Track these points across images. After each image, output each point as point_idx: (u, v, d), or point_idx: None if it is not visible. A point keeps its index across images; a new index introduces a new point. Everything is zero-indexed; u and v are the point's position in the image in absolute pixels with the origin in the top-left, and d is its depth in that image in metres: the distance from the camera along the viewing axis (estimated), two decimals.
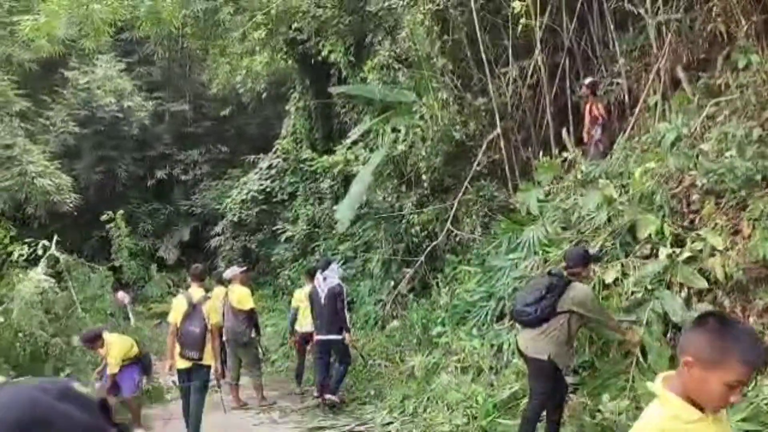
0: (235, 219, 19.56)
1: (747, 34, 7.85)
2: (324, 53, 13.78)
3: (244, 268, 10.09)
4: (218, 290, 9.29)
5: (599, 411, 5.40)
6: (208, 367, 6.92)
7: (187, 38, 17.00)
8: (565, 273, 5.59)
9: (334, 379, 8.63)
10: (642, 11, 9.41)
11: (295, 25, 14.37)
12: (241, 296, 9.00)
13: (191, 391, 6.88)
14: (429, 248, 9.97)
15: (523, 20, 9.18)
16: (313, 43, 14.27)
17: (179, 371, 6.88)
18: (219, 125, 26.30)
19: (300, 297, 9.66)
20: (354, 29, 13.14)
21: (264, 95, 20.23)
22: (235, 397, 9.06)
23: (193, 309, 6.82)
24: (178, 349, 6.79)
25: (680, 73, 8.81)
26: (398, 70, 11.36)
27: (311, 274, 9.52)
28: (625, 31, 10.23)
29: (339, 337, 8.42)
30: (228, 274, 9.54)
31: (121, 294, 14.87)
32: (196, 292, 7.07)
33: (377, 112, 11.83)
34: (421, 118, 10.41)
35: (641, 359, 5.58)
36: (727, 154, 5.88)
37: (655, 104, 8.89)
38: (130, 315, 14.56)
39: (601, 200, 6.97)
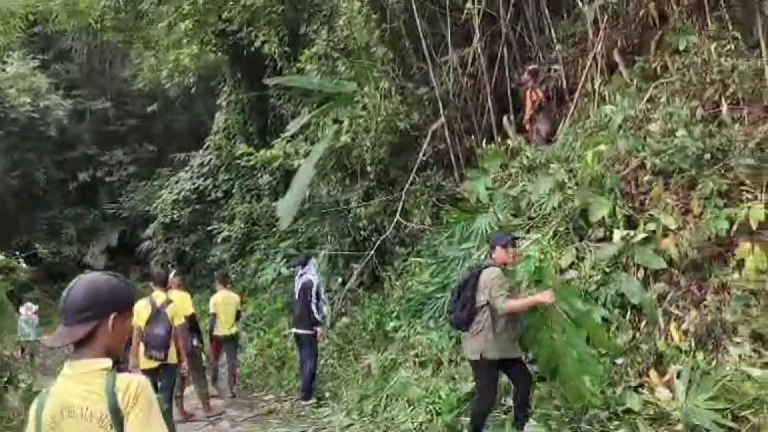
0: (167, 221, 18.79)
1: (680, 18, 8.02)
2: (257, 44, 13.30)
3: (173, 272, 9.62)
4: (157, 296, 8.77)
5: (566, 399, 5.35)
6: (174, 366, 7.17)
7: (107, 31, 16.15)
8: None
9: (303, 382, 8.56)
10: None
11: (224, 15, 13.81)
12: (183, 302, 8.52)
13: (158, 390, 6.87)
14: (378, 241, 9.77)
15: (468, 5, 9.04)
16: (245, 34, 13.77)
17: (144, 371, 6.83)
18: (145, 123, 25.27)
19: (216, 301, 9.83)
20: (288, 18, 12.75)
21: (193, 90, 19.48)
22: (180, 409, 8.58)
23: (157, 312, 7.12)
24: (142, 350, 7.00)
25: (617, 57, 8.92)
26: (337, 59, 11.08)
27: (224, 280, 10.18)
28: (561, 18, 10.31)
29: (308, 332, 8.56)
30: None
31: (25, 307, 13.98)
32: (159, 296, 7.37)
33: (316, 104, 11.51)
34: (364, 108, 10.19)
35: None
36: (678, 134, 5.93)
37: (594, 89, 8.99)
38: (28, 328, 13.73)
39: (552, 185, 6.95)
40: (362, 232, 9.99)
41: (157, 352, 6.94)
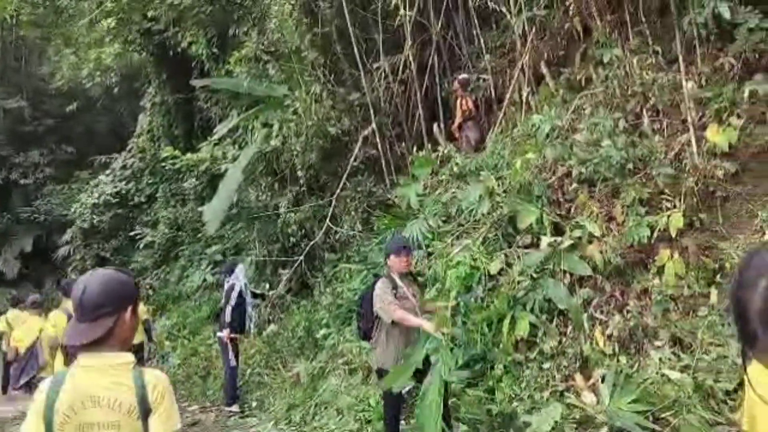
0: (86, 225, 17.98)
1: (603, 32, 8.28)
2: (183, 45, 12.92)
3: None
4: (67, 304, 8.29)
5: (495, 404, 5.36)
6: None
7: (24, 27, 15.30)
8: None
9: (225, 387, 8.43)
10: (504, 9, 9.67)
11: (150, 14, 13.34)
12: None
13: None
14: (307, 247, 9.60)
15: (400, 12, 9.04)
16: (171, 34, 13.35)
17: None
18: (64, 123, 24.13)
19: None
20: (216, 19, 12.43)
21: (116, 90, 18.75)
22: None
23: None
24: (60, 359, 6.86)
25: (543, 69, 9.13)
26: (267, 62, 10.87)
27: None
28: (490, 29, 10.48)
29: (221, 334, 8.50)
30: None
31: None
32: (70, 305, 6.82)
33: (245, 107, 11.25)
34: (294, 112, 10.02)
35: (536, 348, 5.64)
36: (603, 143, 6.09)
37: (521, 99, 9.17)
38: None
39: (482, 192, 7.00)
40: (291, 238, 9.81)
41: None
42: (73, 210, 18.74)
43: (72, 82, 20.12)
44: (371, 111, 10.05)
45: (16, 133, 23.99)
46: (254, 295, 9.32)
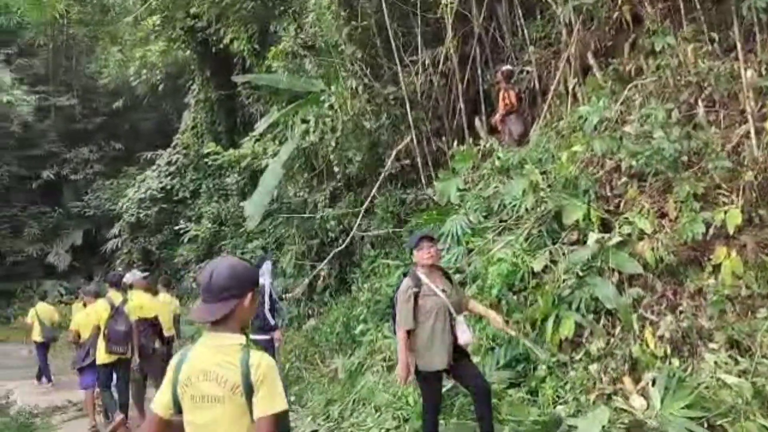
0: (133, 220, 18.36)
1: (654, 20, 7.93)
2: (225, 41, 12.98)
3: (145, 273, 9.33)
4: (113, 295, 8.33)
5: (538, 406, 5.16)
6: (129, 360, 7.75)
7: (73, 25, 15.64)
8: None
9: None
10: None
11: (193, 11, 13.45)
12: (143, 303, 8.18)
13: (118, 385, 7.84)
14: (345, 243, 9.51)
15: (442, 2, 8.85)
16: (213, 31, 13.44)
17: (103, 365, 7.63)
18: (112, 120, 24.70)
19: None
20: (258, 15, 12.45)
21: (160, 87, 19.04)
22: (142, 414, 8.24)
23: (117, 311, 7.67)
24: (103, 346, 7.56)
25: (591, 60, 8.83)
26: (304, 57, 10.81)
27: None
28: (534, 19, 10.20)
29: (263, 337, 7.75)
30: (128, 278, 8.65)
31: None
32: (115, 296, 7.89)
33: (285, 103, 11.23)
34: (330, 107, 9.93)
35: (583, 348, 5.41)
36: (656, 135, 5.79)
37: (567, 91, 8.89)
38: None
39: (525, 187, 6.76)
40: (330, 234, 9.73)
41: (118, 347, 7.56)
42: (120, 205, 19.15)
43: (119, 80, 20.55)
44: (408, 105, 9.89)
45: (68, 131, 24.67)
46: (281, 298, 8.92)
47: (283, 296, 10.21)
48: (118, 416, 7.72)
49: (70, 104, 24.25)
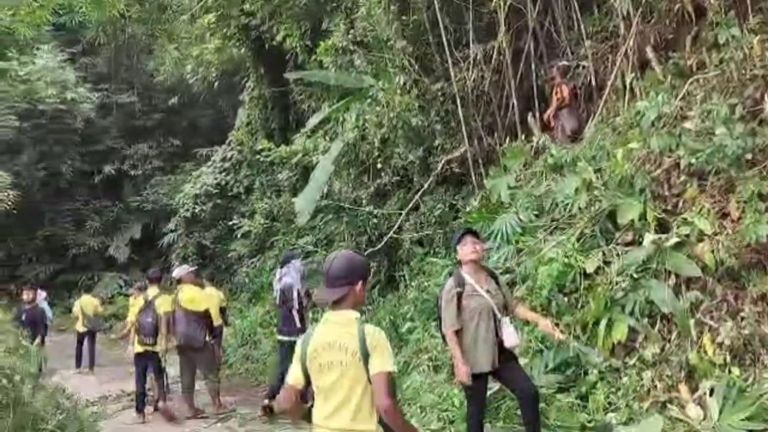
0: (189, 215, 18.75)
1: (717, 12, 7.57)
2: (278, 38, 13.09)
3: (194, 267, 9.64)
4: (151, 291, 8.83)
5: (588, 412, 4.99)
6: (157, 351, 8.36)
7: (132, 23, 16.09)
8: None
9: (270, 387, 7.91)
10: None
11: (247, 8, 13.63)
12: (194, 296, 8.34)
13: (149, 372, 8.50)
14: (394, 240, 9.46)
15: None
16: (267, 28, 13.58)
17: (137, 354, 8.43)
18: (170, 117, 25.32)
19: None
20: (310, 12, 12.52)
21: (216, 84, 19.40)
22: (190, 405, 8.41)
23: (148, 305, 8.34)
24: (136, 337, 8.43)
25: (650, 54, 8.50)
26: (354, 52, 10.80)
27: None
28: (590, 13, 9.91)
29: (291, 339, 7.26)
30: (177, 273, 8.84)
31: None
32: (152, 291, 8.56)
33: (336, 99, 11.26)
34: (378, 104, 9.86)
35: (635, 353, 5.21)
36: (717, 132, 5.51)
37: (624, 86, 8.60)
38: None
39: (579, 185, 6.55)
40: (378, 231, 9.68)
41: (146, 338, 8.23)
42: (176, 200, 19.58)
43: (176, 78, 21.02)
44: (458, 101, 9.74)
45: (128, 127, 25.42)
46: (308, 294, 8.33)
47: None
48: (149, 407, 8.48)
49: (130, 101, 24.96)
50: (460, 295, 4.78)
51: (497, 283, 5.04)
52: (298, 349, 3.06)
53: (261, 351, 11.32)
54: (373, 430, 2.89)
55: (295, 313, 7.66)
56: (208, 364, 8.54)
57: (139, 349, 8.37)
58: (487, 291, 4.83)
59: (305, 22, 12.76)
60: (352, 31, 11.08)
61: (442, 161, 9.66)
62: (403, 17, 10.30)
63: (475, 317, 4.76)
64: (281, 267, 8.22)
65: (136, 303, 8.89)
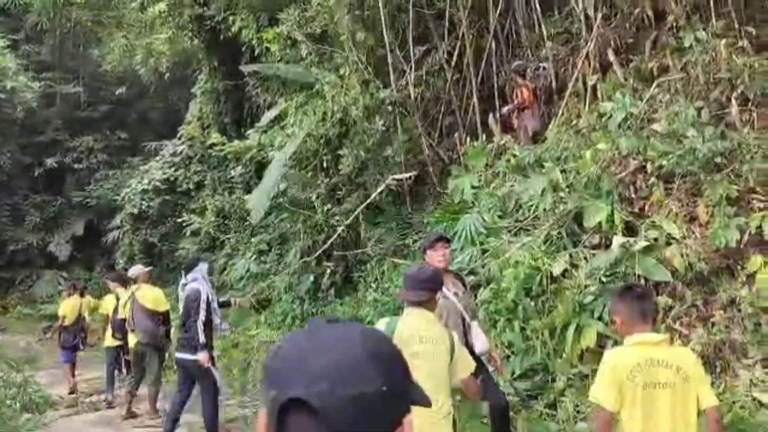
0: (135, 211, 18.04)
1: (680, 16, 7.59)
2: (234, 30, 12.63)
3: (150, 267, 9.33)
4: (119, 291, 8.90)
5: (557, 421, 4.82)
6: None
7: (78, 9, 15.32)
8: None
9: (205, 416, 6.50)
10: None
11: None
12: (155, 297, 8.02)
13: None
14: (353, 240, 9.19)
15: None
16: (222, 19, 13.09)
17: (109, 347, 9.06)
18: (118, 109, 24.35)
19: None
20: (267, 3, 12.10)
21: (167, 76, 18.71)
22: (127, 406, 8.13)
23: (118, 302, 8.67)
24: (109, 332, 9.04)
25: (611, 57, 8.51)
26: (303, 43, 10.44)
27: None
28: (551, 15, 9.89)
29: (190, 356, 6.38)
30: (133, 272, 8.52)
31: None
32: (120, 291, 8.84)
33: (294, 93, 10.90)
34: (324, 99, 9.56)
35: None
36: (689, 134, 5.44)
37: (586, 88, 8.58)
38: None
39: (546, 185, 6.42)
40: (336, 230, 9.37)
41: (119, 334, 8.71)
42: (122, 195, 18.84)
43: (126, 69, 20.21)
44: (417, 100, 9.58)
45: (72, 118, 24.30)
46: (220, 305, 7.31)
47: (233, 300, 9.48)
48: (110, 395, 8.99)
49: (75, 92, 23.87)
50: None
51: (464, 286, 4.82)
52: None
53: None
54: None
55: (200, 325, 6.34)
56: (159, 366, 8.16)
57: (111, 342, 8.95)
58: (455, 294, 4.60)
59: (262, 14, 12.34)
60: (303, 21, 10.73)
61: (398, 158, 9.42)
62: (357, 11, 10.06)
63: (442, 321, 4.52)
64: (186, 272, 6.82)
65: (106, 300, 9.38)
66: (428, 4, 10.62)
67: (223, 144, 11.83)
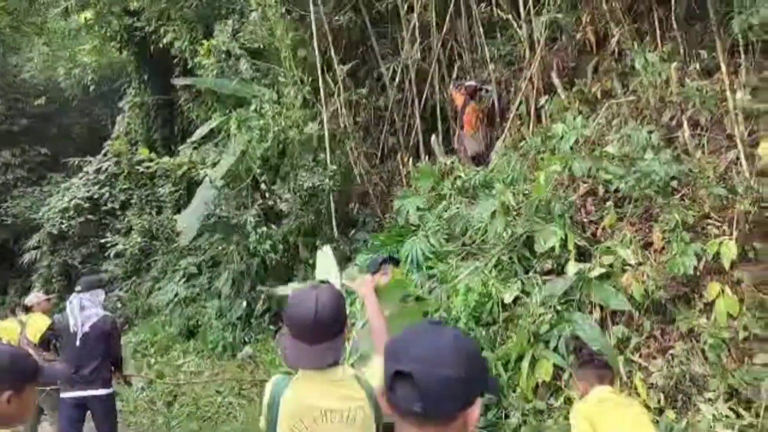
0: (55, 230, 16.88)
1: (625, 40, 7.57)
2: (166, 41, 11.98)
3: (49, 296, 8.26)
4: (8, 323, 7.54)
5: None
6: None
7: None
8: None
9: None
10: (511, 17, 9.05)
11: (132, 6, 12.41)
12: (39, 328, 7.10)
13: None
14: (290, 263, 8.68)
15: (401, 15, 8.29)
16: (153, 30, 12.42)
17: None
18: (37, 123, 22.94)
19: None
20: (203, 15, 11.54)
21: (92, 89, 17.73)
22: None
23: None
24: None
25: (555, 80, 8.47)
26: (240, 57, 9.97)
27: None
28: (494, 38, 9.83)
29: (106, 391, 5.64)
30: (30, 299, 7.55)
31: None
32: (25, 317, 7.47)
33: (229, 108, 10.35)
34: (263, 117, 9.10)
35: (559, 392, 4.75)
36: (646, 156, 5.26)
37: (529, 111, 8.50)
38: None
39: (498, 208, 6.12)
40: (273, 253, 8.82)
41: None
42: (41, 214, 17.63)
43: (48, 80, 19.07)
44: (351, 119, 9.28)
45: None
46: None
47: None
48: None
49: None
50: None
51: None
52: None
53: (132, 388, 10.03)
54: None
55: (113, 355, 5.71)
56: (53, 403, 7.31)
57: None
58: None
59: (197, 26, 11.76)
60: (240, 34, 10.27)
61: (334, 178, 9.04)
62: (299, 27, 9.70)
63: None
64: (80, 292, 5.76)
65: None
66: (372, 22, 10.37)
67: (152, 160, 11.11)
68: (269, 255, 8.77)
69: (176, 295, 12.09)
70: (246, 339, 9.54)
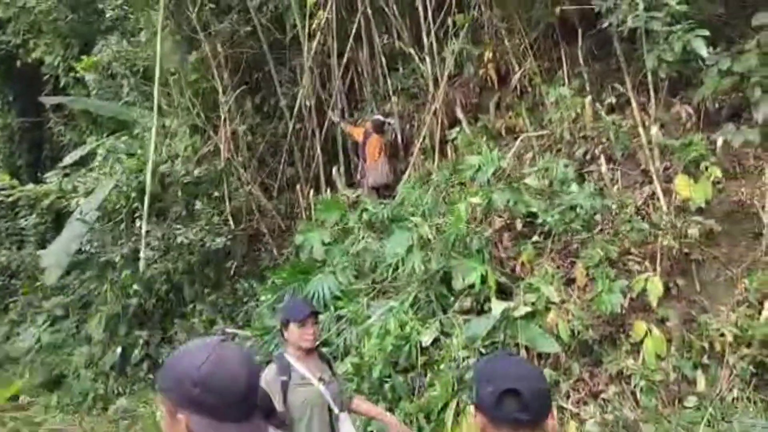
0: None
1: (535, 74, 7.56)
2: (35, 56, 10.79)
3: None
4: None
5: None
6: None
7: None
8: None
9: None
10: (413, 51, 8.92)
11: None
12: None
13: None
14: (173, 305, 7.78)
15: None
16: (21, 43, 11.19)
17: None
18: None
19: None
20: (78, 31, 10.51)
21: None
22: None
23: None
24: None
25: (459, 114, 8.37)
26: (124, 77, 9.11)
27: None
28: (396, 70, 9.64)
29: None
30: None
31: None
32: None
33: (107, 132, 9.37)
34: (142, 145, 8.30)
35: None
36: (572, 189, 5.05)
37: (433, 145, 8.32)
38: None
39: (414, 242, 5.67)
40: (155, 293, 7.89)
41: None
42: None
43: None
44: (244, 148, 8.68)
45: None
46: None
47: None
48: None
49: None
50: (285, 386, 3.46)
51: (331, 368, 3.79)
52: None
53: None
54: None
55: None
56: None
57: None
58: (320, 379, 3.55)
59: (72, 41, 10.69)
60: (123, 53, 9.40)
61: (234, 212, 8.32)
62: (190, 51, 9.02)
63: (307, 413, 3.46)
64: None
65: None
66: (271, 48, 9.86)
67: (14, 187, 9.82)
68: (153, 294, 7.84)
69: (38, 340, 10.68)
70: (120, 390, 8.45)
